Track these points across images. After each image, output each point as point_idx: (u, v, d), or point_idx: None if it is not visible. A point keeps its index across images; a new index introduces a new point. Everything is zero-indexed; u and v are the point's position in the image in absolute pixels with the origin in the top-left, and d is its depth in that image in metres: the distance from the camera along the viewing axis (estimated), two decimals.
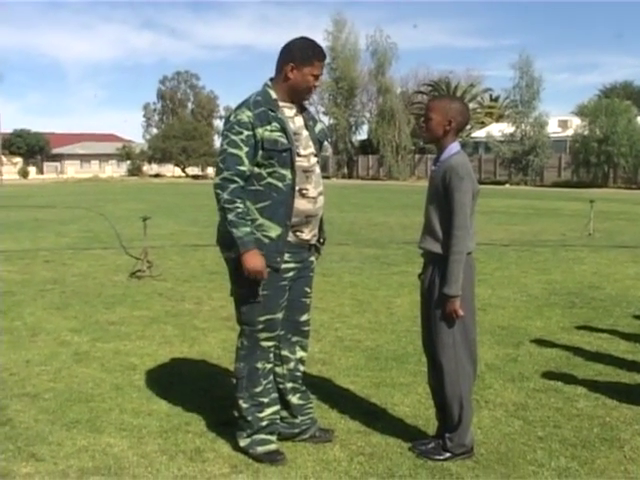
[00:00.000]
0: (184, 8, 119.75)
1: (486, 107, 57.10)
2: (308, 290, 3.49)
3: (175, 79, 69.45)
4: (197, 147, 54.65)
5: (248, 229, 3.16)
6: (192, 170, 57.07)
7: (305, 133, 3.36)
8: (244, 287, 3.24)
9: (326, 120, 50.30)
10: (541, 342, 5.36)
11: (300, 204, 3.26)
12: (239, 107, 3.24)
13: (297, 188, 3.25)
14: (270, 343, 3.35)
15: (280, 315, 3.33)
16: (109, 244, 11.49)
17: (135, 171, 60.03)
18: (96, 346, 5.24)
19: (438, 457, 3.30)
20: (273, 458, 3.27)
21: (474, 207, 3.27)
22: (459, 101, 3.51)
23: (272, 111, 3.22)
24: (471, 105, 49.59)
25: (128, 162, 62.60)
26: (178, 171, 57.99)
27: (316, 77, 3.29)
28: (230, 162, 3.16)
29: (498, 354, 5.03)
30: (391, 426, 3.68)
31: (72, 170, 63.72)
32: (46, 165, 67.88)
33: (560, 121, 46.76)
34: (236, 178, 3.15)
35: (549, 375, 4.55)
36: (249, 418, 3.34)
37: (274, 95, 3.28)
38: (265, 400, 3.36)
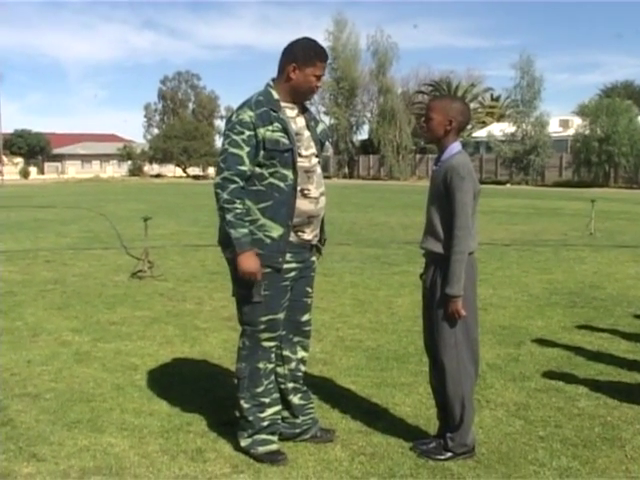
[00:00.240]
0: (184, 8, 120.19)
1: (487, 107, 57.16)
2: (309, 290, 3.49)
3: (176, 79, 69.53)
4: (198, 147, 54.65)
5: (246, 230, 3.15)
6: (193, 170, 57.08)
7: (307, 133, 3.36)
8: (245, 287, 3.24)
9: (327, 120, 50.32)
10: (542, 342, 5.36)
11: (302, 204, 3.26)
12: (241, 107, 3.24)
13: (299, 188, 3.24)
14: (272, 343, 3.35)
15: (282, 315, 3.32)
16: (110, 244, 11.49)
17: (136, 171, 60.08)
18: (97, 346, 5.24)
19: (439, 457, 3.30)
20: (274, 458, 3.27)
21: (475, 207, 3.27)
22: (460, 101, 3.51)
23: (274, 111, 3.22)
24: (472, 105, 49.71)
25: (129, 162, 62.70)
26: (179, 171, 58.02)
27: (318, 78, 3.29)
28: (231, 162, 3.16)
29: (499, 354, 5.03)
30: (392, 426, 3.68)
31: (73, 170, 63.82)
32: (47, 165, 67.94)
33: (561, 121, 46.76)
34: (236, 178, 3.15)
35: (550, 375, 4.55)
36: (250, 418, 3.34)
37: (276, 95, 3.27)
38: (266, 400, 3.36)
